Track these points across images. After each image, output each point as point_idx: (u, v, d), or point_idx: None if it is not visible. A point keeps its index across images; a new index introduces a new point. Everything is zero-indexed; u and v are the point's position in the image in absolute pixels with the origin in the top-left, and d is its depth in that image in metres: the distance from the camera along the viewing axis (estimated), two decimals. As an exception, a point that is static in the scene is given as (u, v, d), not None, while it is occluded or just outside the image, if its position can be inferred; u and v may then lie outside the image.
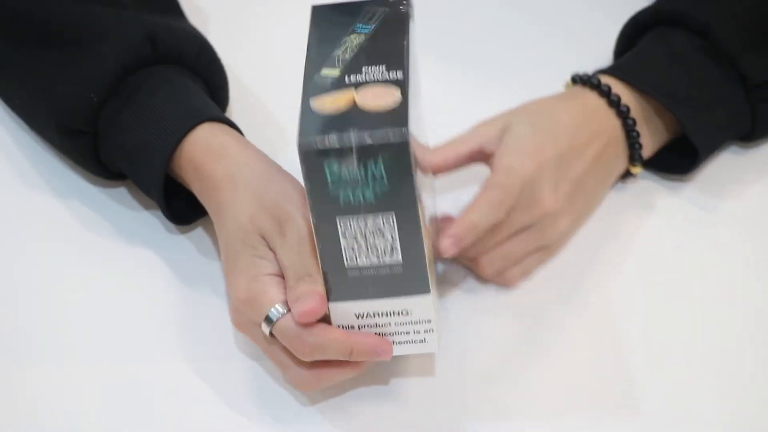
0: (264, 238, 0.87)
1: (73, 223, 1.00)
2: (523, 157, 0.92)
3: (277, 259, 0.86)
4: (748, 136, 1.03)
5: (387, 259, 0.82)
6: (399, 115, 0.79)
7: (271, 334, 0.86)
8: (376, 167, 0.79)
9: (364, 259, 0.82)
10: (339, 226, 0.81)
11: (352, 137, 0.78)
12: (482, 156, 0.95)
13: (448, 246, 0.88)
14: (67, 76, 0.95)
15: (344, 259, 0.82)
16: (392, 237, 0.81)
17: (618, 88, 0.98)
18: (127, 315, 0.95)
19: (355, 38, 0.84)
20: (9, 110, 1.03)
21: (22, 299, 0.96)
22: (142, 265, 0.97)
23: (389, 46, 0.83)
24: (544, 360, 0.92)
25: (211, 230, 0.96)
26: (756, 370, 0.92)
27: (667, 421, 0.89)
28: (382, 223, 0.81)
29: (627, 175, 1.01)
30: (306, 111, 0.81)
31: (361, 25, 0.85)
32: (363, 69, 0.82)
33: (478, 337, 0.93)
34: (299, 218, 0.86)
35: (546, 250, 0.96)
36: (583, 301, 0.95)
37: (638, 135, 0.97)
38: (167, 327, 0.94)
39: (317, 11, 0.87)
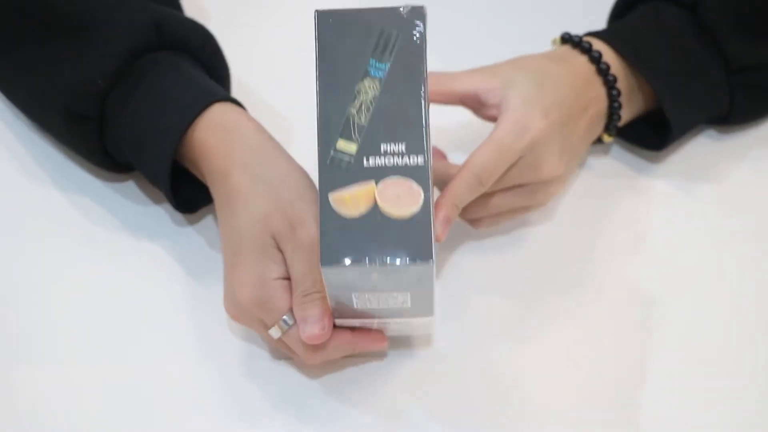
0: (275, 239, 0.87)
1: (79, 218, 1.00)
2: (532, 118, 0.91)
3: (285, 261, 0.87)
4: (724, 121, 1.03)
5: (397, 307, 0.83)
6: (422, 231, 0.78)
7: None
8: (398, 276, 0.79)
9: (374, 307, 0.83)
10: (353, 297, 0.82)
11: (377, 264, 0.77)
12: (475, 103, 0.95)
13: (440, 233, 0.87)
14: (74, 62, 0.95)
15: (354, 306, 0.83)
16: (404, 299, 0.82)
17: (609, 56, 0.97)
18: (133, 311, 0.95)
19: (370, 86, 0.80)
20: (11, 106, 1.03)
21: (25, 296, 0.96)
22: (150, 260, 0.98)
23: (407, 107, 0.80)
24: (542, 353, 0.94)
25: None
26: (756, 362, 0.93)
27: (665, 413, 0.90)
28: (396, 295, 0.81)
29: (597, 141, 1.01)
30: (326, 212, 0.78)
31: (374, 62, 0.81)
32: (381, 147, 0.79)
33: (474, 323, 0.95)
34: (311, 221, 0.86)
35: (525, 210, 0.97)
36: (581, 289, 0.96)
37: (620, 106, 0.97)
38: (173, 324, 0.94)
39: (323, 19, 0.81)
